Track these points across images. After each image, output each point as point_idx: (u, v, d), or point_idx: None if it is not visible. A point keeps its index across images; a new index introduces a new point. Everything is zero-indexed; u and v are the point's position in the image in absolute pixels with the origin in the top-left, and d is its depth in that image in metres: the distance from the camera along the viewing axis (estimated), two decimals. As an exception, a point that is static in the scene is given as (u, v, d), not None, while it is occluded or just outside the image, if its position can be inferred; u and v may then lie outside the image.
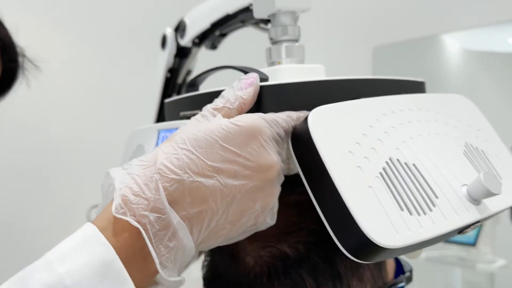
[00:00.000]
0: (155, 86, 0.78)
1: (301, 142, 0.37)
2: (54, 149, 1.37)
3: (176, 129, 0.45)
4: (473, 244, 1.88)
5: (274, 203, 0.37)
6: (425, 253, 1.79)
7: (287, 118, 0.38)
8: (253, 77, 0.40)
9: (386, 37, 1.54)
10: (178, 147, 0.35)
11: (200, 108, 0.46)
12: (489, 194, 0.36)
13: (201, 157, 0.34)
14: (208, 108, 0.39)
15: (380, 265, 0.46)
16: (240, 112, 0.38)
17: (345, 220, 0.33)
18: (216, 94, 0.44)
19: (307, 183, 0.36)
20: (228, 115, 0.37)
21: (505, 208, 0.40)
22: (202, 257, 0.66)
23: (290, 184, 0.47)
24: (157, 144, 0.48)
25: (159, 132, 0.48)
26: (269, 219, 0.37)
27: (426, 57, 1.63)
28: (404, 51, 1.57)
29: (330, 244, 0.42)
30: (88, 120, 1.40)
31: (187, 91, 0.53)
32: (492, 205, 0.38)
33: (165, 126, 0.47)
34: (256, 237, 0.44)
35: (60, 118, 1.37)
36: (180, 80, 0.77)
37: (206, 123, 0.36)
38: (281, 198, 0.45)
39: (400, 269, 0.49)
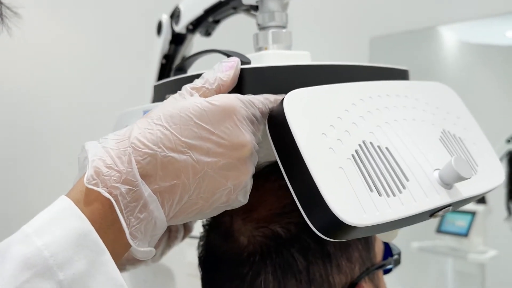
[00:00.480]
0: (150, 72, 0.79)
1: (276, 123, 0.38)
2: (47, 136, 1.38)
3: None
4: (465, 235, 1.90)
5: (246, 182, 0.38)
6: (418, 242, 1.81)
7: (264, 100, 0.39)
8: (234, 60, 0.40)
9: (384, 28, 1.54)
10: (153, 122, 0.36)
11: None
12: (460, 178, 0.37)
13: (174, 133, 0.35)
14: (186, 87, 0.39)
15: (369, 246, 0.47)
16: (218, 93, 0.39)
17: (315, 198, 0.35)
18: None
19: (281, 164, 0.38)
20: (205, 95, 0.38)
21: (477, 194, 0.41)
22: (191, 240, 0.68)
23: None
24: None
25: (144, 113, 0.49)
26: (241, 197, 0.38)
27: (423, 49, 1.63)
28: (402, 42, 1.57)
29: None
30: (83, 105, 1.41)
31: (175, 75, 0.54)
32: (463, 189, 0.39)
33: (150, 107, 0.48)
34: (250, 218, 0.45)
35: (55, 103, 1.38)
36: (175, 66, 0.78)
37: (182, 101, 0.37)
38: (274, 181, 0.47)
39: (388, 251, 0.50)
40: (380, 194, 0.36)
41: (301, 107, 0.37)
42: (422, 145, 0.41)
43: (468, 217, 1.91)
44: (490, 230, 1.91)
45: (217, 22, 0.69)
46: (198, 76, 0.46)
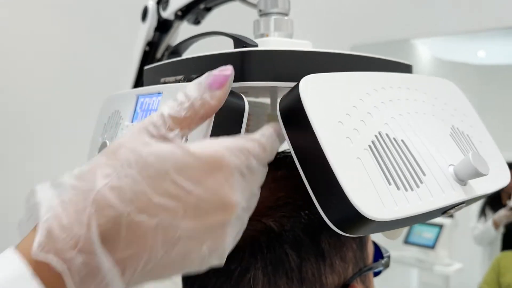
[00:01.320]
0: (132, 59, 0.75)
1: (290, 109, 0.35)
2: (26, 121, 1.31)
3: (157, 94, 0.43)
4: (432, 247, 1.92)
5: (224, 246, 0.32)
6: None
7: (261, 139, 0.34)
8: (227, 74, 0.33)
9: (365, 37, 1.55)
10: (122, 170, 0.29)
11: (182, 74, 0.43)
12: (477, 174, 0.36)
13: (147, 188, 0.28)
14: (164, 114, 0.32)
15: (362, 247, 0.45)
16: (203, 119, 0.33)
17: (332, 189, 0.32)
18: (200, 60, 0.42)
19: (294, 152, 0.35)
20: (188, 125, 0.32)
21: (488, 193, 0.39)
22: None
23: (277, 160, 0.46)
24: (135, 111, 0.45)
25: (137, 97, 0.45)
26: (217, 260, 0.33)
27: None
28: (380, 52, 1.59)
29: (316, 220, 0.41)
30: (61, 95, 1.35)
31: (169, 58, 0.50)
32: (477, 187, 0.38)
33: (144, 91, 0.45)
34: None
35: (29, 93, 1.32)
36: (159, 55, 0.74)
37: (158, 146, 0.30)
38: (268, 173, 0.44)
39: (379, 253, 0.49)
40: (398, 188, 0.34)
41: (317, 93, 0.35)
42: (435, 139, 0.39)
43: (435, 230, 1.94)
44: (456, 244, 1.95)
45: (208, 9, 0.66)
46: (195, 60, 0.43)
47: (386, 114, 0.37)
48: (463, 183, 0.37)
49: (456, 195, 0.36)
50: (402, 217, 0.33)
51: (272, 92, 0.51)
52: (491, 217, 1.87)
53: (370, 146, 0.35)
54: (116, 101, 0.49)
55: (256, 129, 0.66)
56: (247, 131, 0.63)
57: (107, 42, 1.36)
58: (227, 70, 0.33)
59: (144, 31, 0.73)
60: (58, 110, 1.34)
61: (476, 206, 1.90)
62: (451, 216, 1.87)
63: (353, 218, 0.32)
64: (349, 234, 0.34)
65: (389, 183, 0.34)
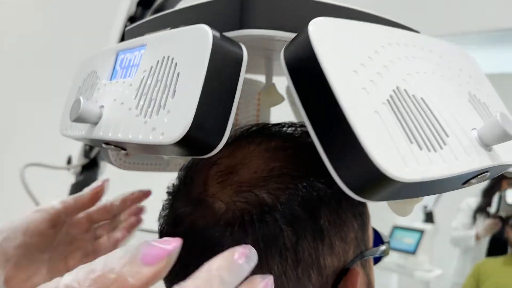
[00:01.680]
0: (112, 35, 0.69)
1: (298, 55, 0.31)
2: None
3: (139, 47, 0.37)
4: (413, 252, 1.90)
5: None
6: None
7: None
8: (167, 249, 0.24)
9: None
10: None
11: (169, 27, 0.39)
12: (505, 136, 0.32)
13: None
14: (59, 284, 0.22)
15: (364, 228, 0.40)
16: None
17: (349, 146, 0.28)
18: (191, 10, 0.38)
19: (302, 106, 0.30)
20: None
21: None
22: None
23: (271, 130, 0.41)
24: (114, 69, 0.40)
25: (117, 53, 0.40)
26: None
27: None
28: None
29: (315, 194, 0.36)
30: (38, 78, 1.28)
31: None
32: (503, 154, 0.34)
33: (125, 45, 0.39)
34: (230, 181, 0.37)
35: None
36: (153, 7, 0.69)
37: None
38: (260, 143, 0.39)
39: (379, 239, 0.44)
40: (420, 148, 0.29)
41: (328, 38, 0.31)
42: (454, 102, 0.35)
43: (416, 235, 1.92)
44: (436, 249, 1.93)
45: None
46: (185, 11, 0.38)
47: (403, 70, 0.33)
48: (488, 148, 0.33)
49: (482, 160, 0.32)
50: (426, 180, 0.28)
51: (268, 59, 0.47)
52: (481, 223, 1.84)
53: (388, 101, 0.30)
54: (93, 62, 0.43)
55: (245, 108, 0.61)
56: (236, 109, 0.58)
57: (84, 19, 1.30)
58: (171, 243, 0.24)
59: (126, 5, 0.68)
60: (33, 96, 1.27)
61: (464, 212, 1.89)
62: (432, 221, 1.83)
63: (372, 178, 0.27)
64: (365, 198, 0.29)
65: (411, 142, 0.29)
